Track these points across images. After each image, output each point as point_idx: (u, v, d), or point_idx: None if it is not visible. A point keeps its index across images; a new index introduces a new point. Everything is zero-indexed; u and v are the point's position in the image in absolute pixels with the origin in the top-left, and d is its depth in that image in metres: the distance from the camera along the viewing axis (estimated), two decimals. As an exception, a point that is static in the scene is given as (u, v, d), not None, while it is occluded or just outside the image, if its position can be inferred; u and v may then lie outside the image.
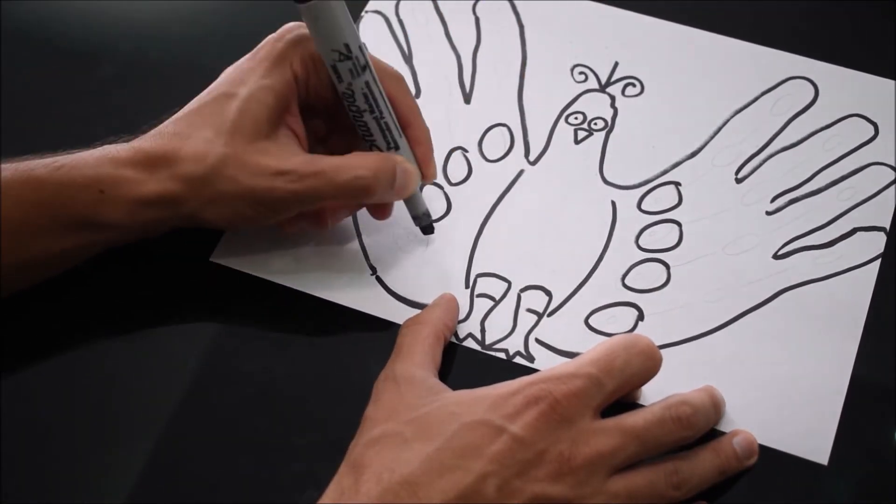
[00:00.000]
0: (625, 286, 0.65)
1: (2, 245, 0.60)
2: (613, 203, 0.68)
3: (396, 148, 0.63)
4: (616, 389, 0.55)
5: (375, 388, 0.58)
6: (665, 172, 0.69)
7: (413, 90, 0.72)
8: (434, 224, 0.67)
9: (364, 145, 0.63)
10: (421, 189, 0.65)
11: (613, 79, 0.73)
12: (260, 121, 0.61)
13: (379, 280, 0.65)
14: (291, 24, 0.63)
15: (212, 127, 0.61)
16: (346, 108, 0.62)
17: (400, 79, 0.64)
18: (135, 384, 0.63)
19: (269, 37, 0.63)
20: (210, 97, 0.63)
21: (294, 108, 0.63)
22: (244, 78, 0.62)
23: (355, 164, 0.61)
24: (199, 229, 0.65)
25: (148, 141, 0.62)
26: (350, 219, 0.67)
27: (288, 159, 0.61)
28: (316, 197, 0.61)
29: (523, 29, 0.75)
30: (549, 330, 0.64)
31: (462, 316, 0.64)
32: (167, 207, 0.61)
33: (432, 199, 0.68)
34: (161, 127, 0.62)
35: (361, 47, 0.60)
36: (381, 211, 0.65)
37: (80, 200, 0.60)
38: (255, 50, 0.63)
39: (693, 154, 0.69)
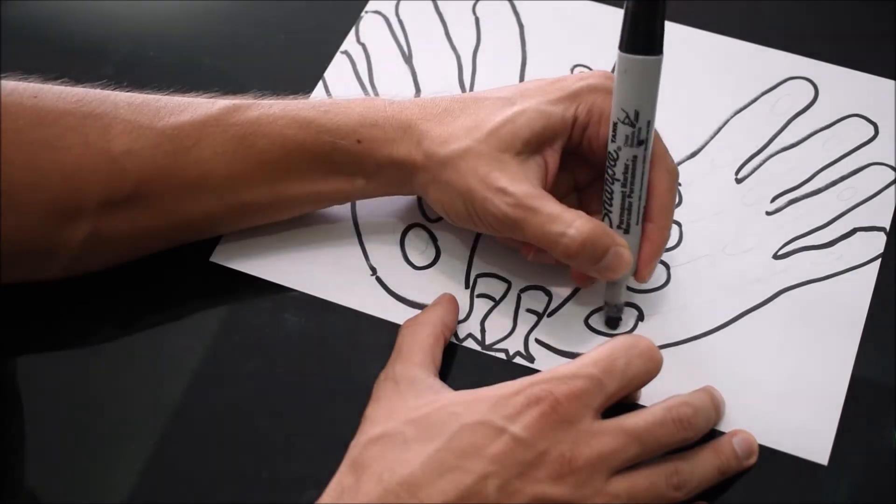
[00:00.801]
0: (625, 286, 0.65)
1: (258, 181, 0.62)
2: (613, 203, 0.68)
3: (626, 231, 0.60)
4: (617, 391, 0.55)
5: (375, 388, 0.58)
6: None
7: (414, 91, 0.72)
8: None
9: (601, 210, 0.61)
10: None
11: (613, 79, 0.73)
12: (518, 137, 0.61)
13: (379, 280, 0.65)
14: (603, 71, 0.63)
15: (476, 121, 0.61)
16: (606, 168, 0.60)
17: (673, 174, 0.61)
18: (135, 384, 0.63)
19: (577, 73, 0.63)
20: (494, 95, 0.63)
21: (558, 145, 0.62)
22: (531, 94, 0.62)
23: (571, 222, 0.59)
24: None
25: (417, 106, 0.63)
26: (350, 219, 0.67)
27: (518, 183, 0.60)
28: (519, 229, 0.60)
29: (523, 29, 0.75)
30: (549, 330, 0.64)
31: (462, 316, 0.64)
32: (407, 172, 0.63)
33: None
34: (441, 98, 0.64)
35: (650, 123, 0.58)
36: (581, 278, 0.64)
37: (338, 147, 0.62)
38: (559, 77, 0.63)
39: (693, 154, 0.69)
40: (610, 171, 0.59)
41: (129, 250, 0.64)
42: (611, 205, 0.60)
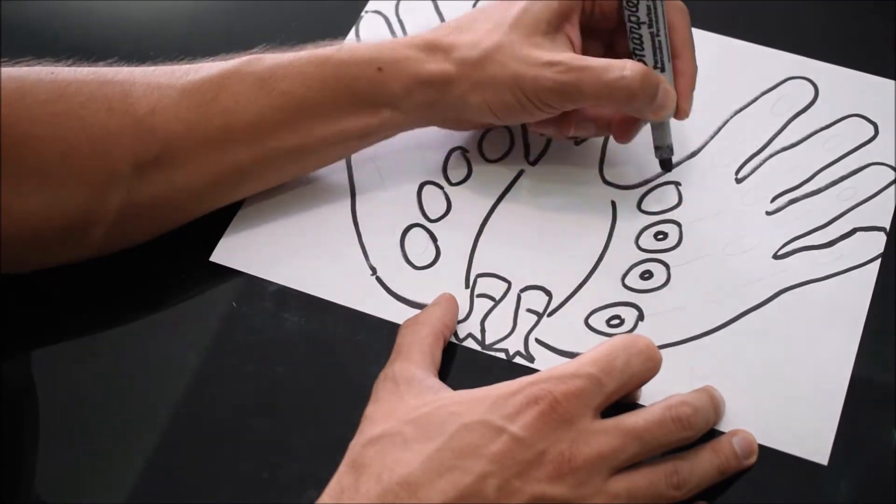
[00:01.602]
0: (625, 286, 0.65)
1: (283, 124, 0.63)
2: (613, 203, 0.68)
3: (662, 70, 0.64)
4: (616, 390, 0.55)
5: (375, 388, 0.58)
6: (665, 172, 0.69)
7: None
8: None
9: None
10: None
11: (613, 79, 0.73)
12: (540, 19, 0.64)
13: (379, 280, 0.65)
14: None
15: (493, 21, 0.64)
16: (625, 20, 0.63)
17: (684, 10, 0.65)
18: (135, 384, 0.63)
19: None
20: (498, 1, 0.66)
21: (575, 20, 0.65)
22: None
23: (623, 66, 0.62)
24: (198, 228, 0.65)
25: (430, 32, 0.66)
26: (350, 219, 0.67)
27: (558, 54, 0.63)
28: (578, 91, 0.62)
29: (523, 29, 0.75)
30: (549, 330, 0.64)
31: (462, 316, 0.64)
32: (440, 89, 0.64)
33: (432, 199, 0.68)
34: (446, 22, 0.67)
35: None
36: (626, 129, 0.66)
37: (360, 77, 0.64)
38: None
39: (693, 154, 0.69)
40: (633, 19, 0.63)
41: (163, 217, 0.64)
42: (642, 49, 0.64)
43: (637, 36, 0.63)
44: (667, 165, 0.67)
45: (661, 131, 0.66)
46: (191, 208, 0.65)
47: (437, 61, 0.64)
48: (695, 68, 0.65)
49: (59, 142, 0.60)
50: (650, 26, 0.63)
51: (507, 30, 0.63)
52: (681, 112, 0.65)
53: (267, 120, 0.63)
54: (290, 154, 0.65)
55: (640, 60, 0.64)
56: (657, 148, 0.67)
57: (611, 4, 0.65)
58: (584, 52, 0.66)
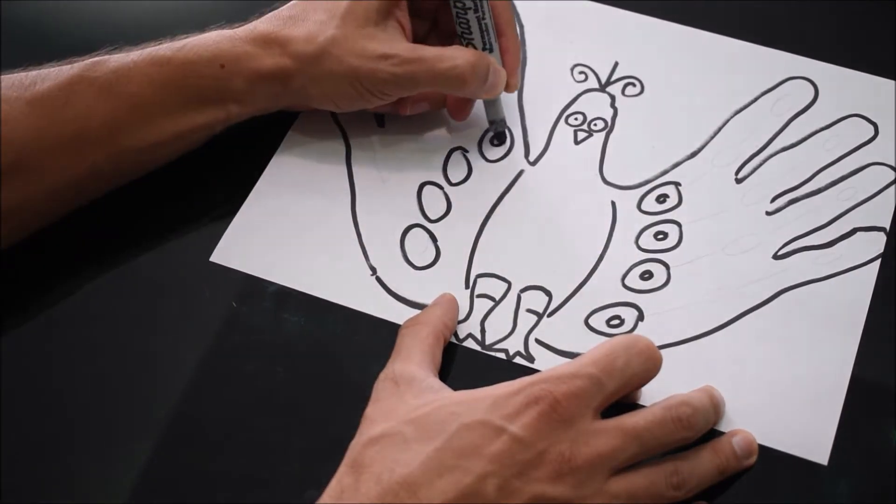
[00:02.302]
0: (625, 286, 0.65)
1: (134, 125, 0.64)
2: (613, 203, 0.68)
3: (491, 50, 0.67)
4: (616, 390, 0.55)
5: (375, 388, 0.58)
6: (665, 172, 0.69)
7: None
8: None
9: (461, 44, 0.67)
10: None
11: (613, 78, 0.73)
12: (370, 9, 0.66)
13: (379, 280, 0.65)
14: None
15: (326, 11, 0.66)
16: (450, 8, 0.66)
17: None
18: (135, 384, 0.63)
19: None
20: None
21: (403, 5, 0.67)
22: None
23: (454, 56, 0.66)
24: (198, 228, 0.65)
25: (264, 23, 0.67)
26: (350, 219, 0.67)
27: (393, 45, 0.66)
28: (414, 82, 0.66)
29: (523, 29, 0.75)
30: (549, 330, 0.64)
31: (462, 316, 0.64)
32: (280, 82, 0.66)
33: (432, 199, 0.68)
34: (278, 11, 0.68)
35: None
36: (461, 109, 0.70)
37: (203, 75, 0.65)
38: None
39: (693, 154, 0.69)
40: (459, 5, 0.66)
41: (25, 222, 0.64)
42: (470, 33, 0.67)
43: (464, 21, 0.66)
44: (501, 138, 0.70)
45: (493, 107, 0.69)
46: (53, 210, 0.65)
47: (274, 56, 0.65)
48: (518, 43, 0.69)
49: None
50: (476, 11, 0.66)
51: (339, 22, 0.65)
52: (510, 87, 0.69)
53: (118, 121, 0.64)
54: (143, 151, 0.65)
55: (468, 43, 0.67)
56: (491, 122, 0.70)
57: None
58: (413, 33, 0.69)
